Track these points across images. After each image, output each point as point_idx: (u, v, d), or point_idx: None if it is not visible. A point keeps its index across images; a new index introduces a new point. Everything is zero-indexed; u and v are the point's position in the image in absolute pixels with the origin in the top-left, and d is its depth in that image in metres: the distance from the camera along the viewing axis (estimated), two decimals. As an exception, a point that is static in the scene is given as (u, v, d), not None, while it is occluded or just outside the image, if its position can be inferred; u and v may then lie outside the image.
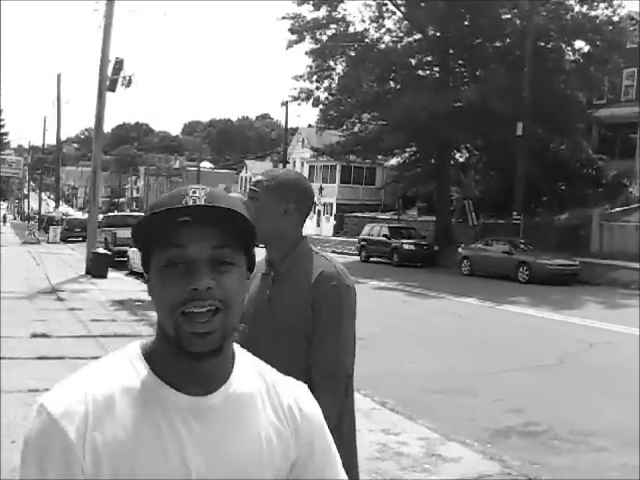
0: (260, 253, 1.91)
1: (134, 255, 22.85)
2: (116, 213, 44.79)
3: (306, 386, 1.34)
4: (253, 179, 2.34)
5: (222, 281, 1.14)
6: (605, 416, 7.49)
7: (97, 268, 19.91)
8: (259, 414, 1.22)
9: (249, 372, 1.25)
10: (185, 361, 1.15)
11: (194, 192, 1.15)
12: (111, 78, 21.29)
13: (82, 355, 8.57)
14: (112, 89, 21.52)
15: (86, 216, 30.14)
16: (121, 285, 18.11)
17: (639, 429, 6.72)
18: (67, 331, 10.70)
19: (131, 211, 67.30)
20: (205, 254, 1.14)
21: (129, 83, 21.76)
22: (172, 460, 1.12)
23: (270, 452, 1.21)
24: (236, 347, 1.26)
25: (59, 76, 47.99)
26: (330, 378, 2.19)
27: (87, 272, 20.35)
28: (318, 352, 2.20)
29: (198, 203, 1.13)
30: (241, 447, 1.18)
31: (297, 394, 1.29)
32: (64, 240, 41.90)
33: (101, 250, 21.21)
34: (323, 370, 2.19)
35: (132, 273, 22.43)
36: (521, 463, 5.78)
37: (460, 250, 26.73)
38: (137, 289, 17.70)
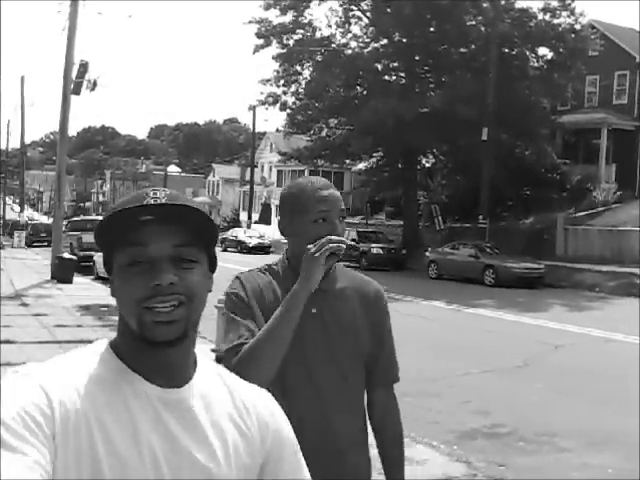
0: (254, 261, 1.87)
1: (100, 260, 22.56)
2: (81, 217, 44.22)
3: (269, 394, 1.34)
4: (331, 196, 2.13)
5: (185, 277, 1.15)
6: (569, 417, 7.61)
7: (62, 273, 19.69)
8: (224, 415, 1.22)
9: (210, 375, 1.26)
10: (149, 352, 1.16)
11: (155, 193, 1.17)
12: (76, 81, 21.10)
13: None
14: (77, 92, 21.32)
15: (51, 221, 29.81)
16: (87, 290, 17.93)
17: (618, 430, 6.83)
18: (32, 337, 10.57)
19: (97, 215, 66.65)
20: (167, 252, 1.15)
21: (94, 86, 21.60)
22: (142, 442, 1.12)
23: (236, 454, 1.21)
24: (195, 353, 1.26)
25: (22, 78, 47.41)
26: (392, 389, 2.29)
27: (52, 277, 20.13)
28: (388, 365, 2.27)
29: (159, 202, 1.15)
30: (206, 444, 1.18)
31: (262, 401, 1.30)
32: (29, 245, 41.35)
33: (66, 255, 20.92)
34: (390, 381, 2.28)
35: (98, 278, 22.19)
36: (487, 464, 5.86)
37: (427, 254, 26.92)
38: (103, 294, 17.51)
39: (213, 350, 9.74)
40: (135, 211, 1.14)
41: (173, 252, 1.16)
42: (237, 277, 2.22)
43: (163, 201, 1.15)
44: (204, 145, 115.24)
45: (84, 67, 21.67)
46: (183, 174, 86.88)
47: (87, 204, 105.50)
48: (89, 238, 25.97)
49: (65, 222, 29.75)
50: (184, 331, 1.16)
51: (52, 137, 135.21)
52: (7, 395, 1.05)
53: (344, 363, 2.13)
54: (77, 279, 20.21)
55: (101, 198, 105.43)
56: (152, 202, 1.15)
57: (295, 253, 2.16)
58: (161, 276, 1.13)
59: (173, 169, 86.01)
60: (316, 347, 2.10)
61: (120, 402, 1.13)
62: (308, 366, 2.10)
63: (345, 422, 2.14)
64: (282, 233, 2.20)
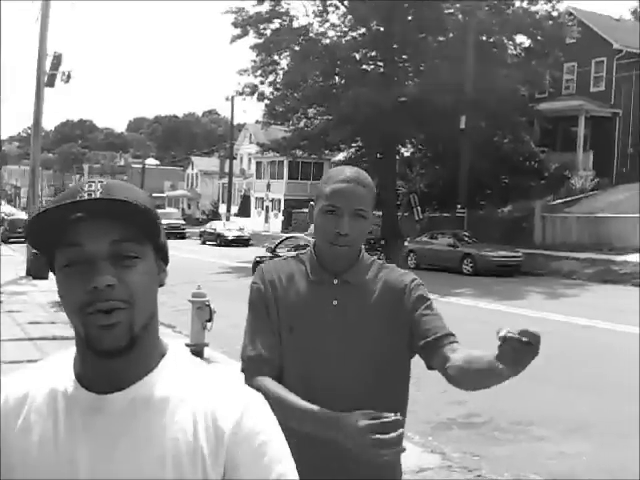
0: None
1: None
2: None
3: (255, 395, 1.18)
4: (347, 189, 2.04)
5: (125, 277, 1.08)
6: (545, 405, 7.60)
7: (38, 269, 19.41)
8: (169, 424, 1.11)
9: (177, 377, 1.15)
10: (96, 359, 1.10)
11: (89, 186, 1.09)
12: (49, 73, 20.82)
13: (18, 359, 8.32)
14: (51, 84, 21.05)
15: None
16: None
17: (581, 418, 6.81)
18: (3, 334, 10.39)
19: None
20: (104, 250, 1.08)
21: (68, 78, 21.32)
22: (62, 456, 1.10)
23: (174, 468, 1.08)
24: (176, 349, 1.19)
25: (-3, 72, 46.77)
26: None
27: (27, 273, 19.89)
28: (439, 329, 2.09)
29: (93, 197, 1.07)
30: (134, 456, 1.09)
31: (233, 407, 1.12)
32: (5, 241, 40.92)
33: (42, 250, 20.66)
34: (448, 341, 2.04)
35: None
36: (462, 455, 5.81)
37: (406, 244, 26.94)
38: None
39: (187, 345, 9.63)
40: (65, 209, 1.06)
41: (111, 249, 1.08)
42: (260, 266, 2.17)
43: (97, 195, 1.07)
44: (183, 137, 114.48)
45: (58, 59, 21.38)
46: (161, 167, 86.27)
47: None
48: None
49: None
50: (130, 337, 1.09)
51: (29, 131, 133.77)
52: None
53: (372, 355, 2.04)
54: (53, 275, 19.99)
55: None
56: (86, 197, 1.07)
57: (316, 242, 2.12)
58: (97, 278, 1.07)
59: (151, 162, 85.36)
60: (338, 340, 2.01)
61: (50, 412, 1.13)
62: (329, 360, 2.01)
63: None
64: (311, 220, 2.13)
